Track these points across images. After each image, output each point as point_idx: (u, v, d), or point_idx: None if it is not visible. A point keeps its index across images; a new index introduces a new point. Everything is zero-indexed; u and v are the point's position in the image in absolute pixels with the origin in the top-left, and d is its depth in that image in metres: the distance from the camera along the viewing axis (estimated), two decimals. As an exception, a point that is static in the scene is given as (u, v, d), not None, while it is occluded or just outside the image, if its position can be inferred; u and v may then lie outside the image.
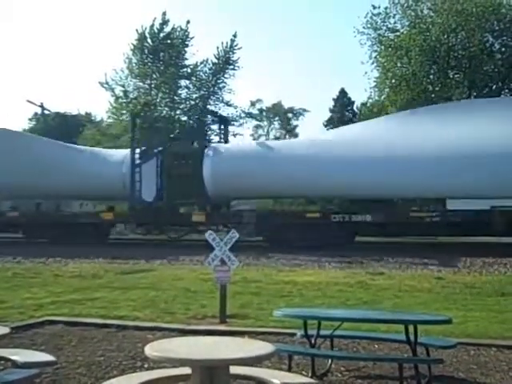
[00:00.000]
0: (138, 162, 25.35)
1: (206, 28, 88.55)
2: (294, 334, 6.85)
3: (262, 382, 4.43)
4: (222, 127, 31.81)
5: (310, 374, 5.80)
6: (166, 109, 45.93)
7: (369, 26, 43.57)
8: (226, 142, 28.96)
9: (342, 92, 61.67)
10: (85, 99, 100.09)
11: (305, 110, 78.95)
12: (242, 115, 47.30)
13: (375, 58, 44.13)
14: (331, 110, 61.43)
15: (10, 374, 4.86)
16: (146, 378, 4.44)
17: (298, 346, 6.57)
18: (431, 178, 19.72)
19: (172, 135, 37.58)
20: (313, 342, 5.98)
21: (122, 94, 45.00)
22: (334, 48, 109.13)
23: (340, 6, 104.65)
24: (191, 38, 45.41)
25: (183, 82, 46.17)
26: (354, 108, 59.57)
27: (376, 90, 45.32)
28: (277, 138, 69.44)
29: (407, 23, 43.30)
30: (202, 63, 45.39)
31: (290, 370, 5.79)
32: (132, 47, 45.06)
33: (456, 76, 43.09)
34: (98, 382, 5.37)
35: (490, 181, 19.12)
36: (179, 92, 46.25)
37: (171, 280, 13.52)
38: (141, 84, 45.87)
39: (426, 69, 41.70)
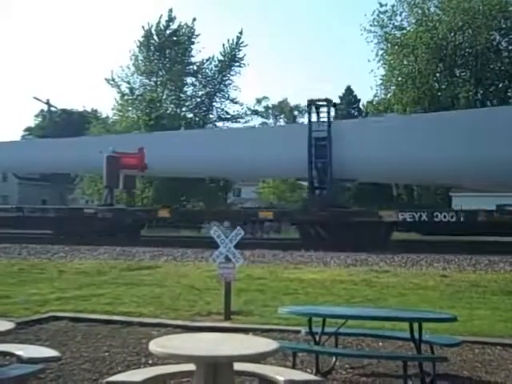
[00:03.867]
0: None
1: (212, 26, 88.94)
2: (298, 331, 6.85)
3: (265, 378, 4.42)
4: None
5: (314, 372, 5.80)
6: (172, 106, 46.03)
7: (375, 23, 43.55)
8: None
9: (348, 90, 61.71)
10: (91, 96, 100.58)
11: (311, 108, 78.80)
12: (248, 112, 47.44)
13: (381, 55, 44.12)
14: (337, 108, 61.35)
15: (15, 369, 4.87)
16: (150, 374, 4.44)
17: (303, 343, 6.56)
18: None
19: None
20: (317, 339, 5.97)
21: (127, 91, 45.13)
22: (340, 46, 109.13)
23: (347, 3, 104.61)
24: (197, 36, 45.55)
25: (189, 80, 46.34)
26: (360, 106, 59.54)
27: (382, 87, 45.31)
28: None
29: (414, 21, 43.23)
30: (207, 60, 45.54)
31: (294, 367, 5.77)
32: (138, 44, 45.23)
33: (462, 74, 43.01)
34: (103, 377, 5.37)
35: None
36: (185, 89, 46.40)
37: (176, 277, 13.52)
38: (147, 81, 46.01)
39: (432, 67, 41.63)
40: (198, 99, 46.23)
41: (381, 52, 43.98)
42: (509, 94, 44.01)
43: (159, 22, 44.75)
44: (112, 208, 25.79)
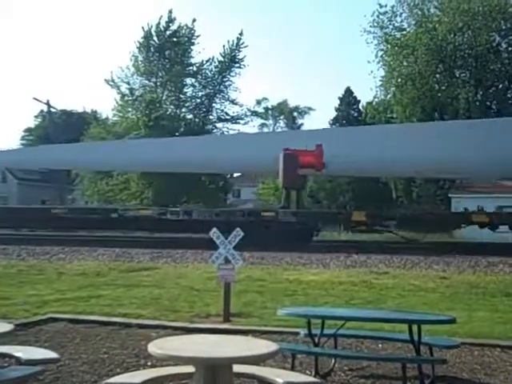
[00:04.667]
0: None
1: (212, 26, 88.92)
2: (297, 333, 6.84)
3: (265, 380, 4.42)
4: None
5: (313, 373, 5.79)
6: (172, 107, 46.04)
7: (375, 24, 43.56)
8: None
9: (348, 91, 61.61)
10: (91, 97, 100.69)
11: (310, 109, 79.15)
12: (248, 113, 47.43)
13: (381, 56, 44.11)
14: (337, 109, 61.35)
15: (14, 370, 4.87)
16: (149, 376, 4.44)
17: (302, 345, 6.56)
18: None
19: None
20: (316, 340, 5.97)
21: (127, 92, 45.12)
22: (339, 47, 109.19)
23: (346, 4, 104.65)
24: (197, 37, 45.53)
25: (189, 80, 46.35)
26: (360, 107, 59.53)
27: (382, 88, 45.30)
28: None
29: (414, 22, 43.26)
30: (207, 61, 45.56)
31: (293, 368, 5.77)
32: (138, 45, 45.19)
33: (462, 75, 43.00)
34: (102, 379, 5.37)
35: None
36: (185, 90, 46.41)
37: (175, 278, 13.52)
38: (146, 82, 46.02)
39: (432, 68, 41.64)
40: (198, 100, 46.28)
41: (380, 53, 44.02)
42: (509, 95, 44.02)
43: (159, 23, 44.77)
44: (297, 211, 23.66)
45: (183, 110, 46.51)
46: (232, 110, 46.34)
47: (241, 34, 44.90)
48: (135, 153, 27.46)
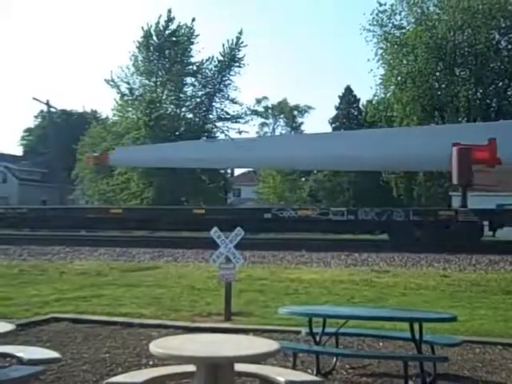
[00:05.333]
0: None
1: (211, 25, 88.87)
2: (298, 332, 6.84)
3: (266, 379, 4.41)
4: None
5: (314, 372, 5.79)
6: (172, 106, 45.99)
7: (375, 23, 43.54)
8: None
9: (348, 89, 61.62)
10: (90, 97, 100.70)
11: (310, 108, 79.20)
12: (248, 112, 47.33)
13: (381, 55, 44.08)
14: (337, 108, 61.38)
15: (16, 370, 4.86)
16: (150, 375, 4.43)
17: (303, 344, 6.56)
18: None
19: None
20: (318, 339, 5.96)
21: (127, 92, 45.04)
22: (339, 45, 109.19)
23: (346, 3, 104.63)
24: (197, 36, 45.45)
25: (189, 80, 46.29)
26: (360, 105, 59.53)
27: (381, 87, 45.28)
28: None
29: (413, 20, 43.22)
30: (207, 61, 45.47)
31: (294, 367, 5.77)
32: (137, 45, 45.09)
33: (462, 73, 42.97)
34: (103, 379, 5.36)
35: None
36: (185, 89, 46.35)
37: (176, 277, 13.52)
38: (146, 81, 45.95)
39: (432, 66, 41.61)
40: (198, 99, 46.24)
41: (380, 51, 44.01)
42: (508, 92, 44.01)
43: (158, 23, 44.67)
44: (477, 209, 22.39)
45: (183, 109, 46.48)
46: (232, 109, 46.33)
47: (240, 33, 44.87)
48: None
